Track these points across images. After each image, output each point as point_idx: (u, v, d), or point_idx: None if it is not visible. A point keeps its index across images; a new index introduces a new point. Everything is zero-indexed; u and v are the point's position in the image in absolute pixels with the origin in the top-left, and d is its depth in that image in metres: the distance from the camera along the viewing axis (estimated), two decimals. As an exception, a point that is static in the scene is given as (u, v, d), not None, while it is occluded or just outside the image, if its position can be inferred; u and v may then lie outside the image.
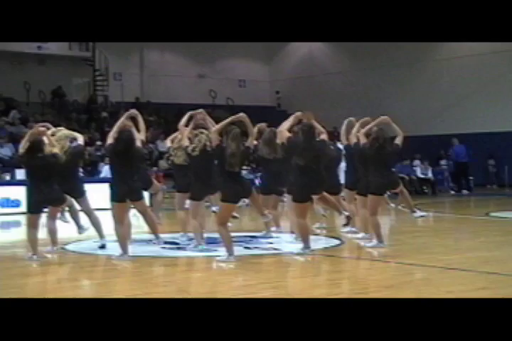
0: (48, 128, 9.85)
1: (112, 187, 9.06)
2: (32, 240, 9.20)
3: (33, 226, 9.22)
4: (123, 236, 9.09)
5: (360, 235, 10.85)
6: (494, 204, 20.04)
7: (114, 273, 8.52)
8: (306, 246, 9.27)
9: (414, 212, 10.33)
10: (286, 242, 10.54)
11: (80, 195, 10.05)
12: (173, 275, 8.22)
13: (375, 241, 9.90)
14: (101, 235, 10.08)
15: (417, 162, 24.55)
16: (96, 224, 10.09)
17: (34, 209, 9.22)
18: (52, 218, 9.58)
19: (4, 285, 7.47)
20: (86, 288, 7.56)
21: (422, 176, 23.89)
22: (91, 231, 10.26)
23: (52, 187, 9.14)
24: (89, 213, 10.11)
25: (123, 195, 9.00)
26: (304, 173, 9.13)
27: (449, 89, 27.51)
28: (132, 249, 9.28)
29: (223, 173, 8.72)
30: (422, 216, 10.42)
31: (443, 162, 26.15)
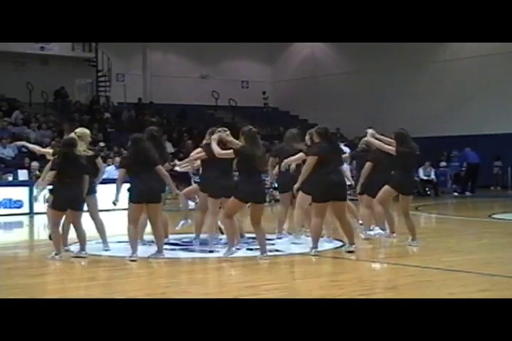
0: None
1: (130, 189, 9.18)
2: (55, 239, 9.23)
3: (54, 224, 9.26)
4: (134, 237, 9.17)
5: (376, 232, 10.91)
6: (497, 206, 20.00)
7: (117, 273, 8.51)
8: (314, 246, 9.30)
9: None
10: (289, 243, 10.53)
11: (90, 191, 9.99)
12: (175, 276, 8.21)
13: (376, 230, 10.11)
14: (104, 240, 10.04)
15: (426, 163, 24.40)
16: (101, 229, 10.06)
17: (57, 206, 9.26)
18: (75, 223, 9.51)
19: (6, 286, 7.47)
20: (88, 289, 7.55)
21: (425, 178, 23.84)
22: (93, 232, 10.24)
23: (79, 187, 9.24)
24: (95, 216, 10.06)
25: (140, 196, 9.08)
26: (328, 174, 9.22)
27: (452, 90, 27.47)
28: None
29: (244, 172, 8.86)
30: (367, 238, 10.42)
31: (443, 163, 26.11)
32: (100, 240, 10.13)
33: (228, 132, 10.06)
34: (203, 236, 10.48)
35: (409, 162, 10.17)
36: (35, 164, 19.08)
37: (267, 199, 18.34)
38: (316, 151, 9.32)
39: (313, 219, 9.45)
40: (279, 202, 11.85)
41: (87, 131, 10.25)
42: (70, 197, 9.19)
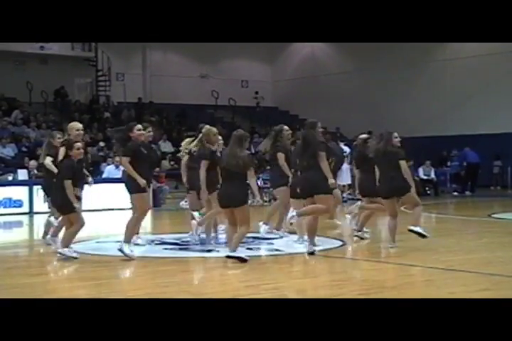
0: None
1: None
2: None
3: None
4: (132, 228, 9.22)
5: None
6: (497, 206, 20.02)
7: (116, 273, 8.52)
8: (312, 243, 9.28)
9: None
10: (289, 243, 10.52)
11: None
12: (174, 275, 8.20)
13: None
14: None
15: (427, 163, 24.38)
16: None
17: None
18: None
19: (6, 285, 7.47)
20: (88, 288, 7.55)
21: (425, 177, 23.85)
22: (92, 231, 10.24)
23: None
24: None
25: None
26: (296, 172, 9.28)
27: (452, 89, 27.48)
28: (133, 250, 9.26)
29: (222, 178, 8.88)
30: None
31: (449, 163, 26.13)
32: (100, 239, 10.14)
33: (215, 130, 10.08)
34: (202, 236, 10.50)
35: (377, 166, 9.92)
36: (33, 163, 19.08)
37: (266, 198, 18.37)
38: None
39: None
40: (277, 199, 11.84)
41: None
42: (53, 198, 9.23)
